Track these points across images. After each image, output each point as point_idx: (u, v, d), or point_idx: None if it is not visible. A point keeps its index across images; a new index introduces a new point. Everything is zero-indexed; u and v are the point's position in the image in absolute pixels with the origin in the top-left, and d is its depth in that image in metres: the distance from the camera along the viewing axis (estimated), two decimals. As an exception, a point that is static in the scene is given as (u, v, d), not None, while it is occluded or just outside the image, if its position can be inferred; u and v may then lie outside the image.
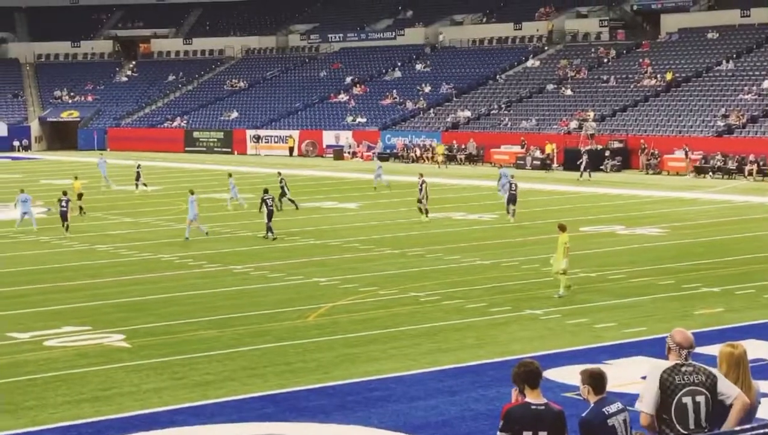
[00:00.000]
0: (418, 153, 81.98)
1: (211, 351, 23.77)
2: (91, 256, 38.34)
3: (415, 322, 26.30)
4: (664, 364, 9.80)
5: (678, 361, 9.75)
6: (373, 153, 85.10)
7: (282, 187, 50.81)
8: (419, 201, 46.08)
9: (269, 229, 41.26)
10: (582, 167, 65.18)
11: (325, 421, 18.68)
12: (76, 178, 55.04)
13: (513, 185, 46.45)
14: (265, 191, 42.40)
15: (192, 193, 42.92)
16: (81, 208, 48.83)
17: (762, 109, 72.16)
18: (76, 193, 49.58)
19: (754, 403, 9.94)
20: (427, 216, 45.70)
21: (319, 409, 19.25)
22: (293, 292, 30.91)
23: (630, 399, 17.19)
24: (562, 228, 29.35)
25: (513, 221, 45.20)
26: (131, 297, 30.46)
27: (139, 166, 62.10)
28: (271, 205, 41.93)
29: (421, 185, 46.04)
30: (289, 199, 51.05)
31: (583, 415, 10.09)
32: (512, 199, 45.89)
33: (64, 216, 43.64)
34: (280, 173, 53.73)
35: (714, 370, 9.74)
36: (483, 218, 46.93)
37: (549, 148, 74.05)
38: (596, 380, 10.24)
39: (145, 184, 61.08)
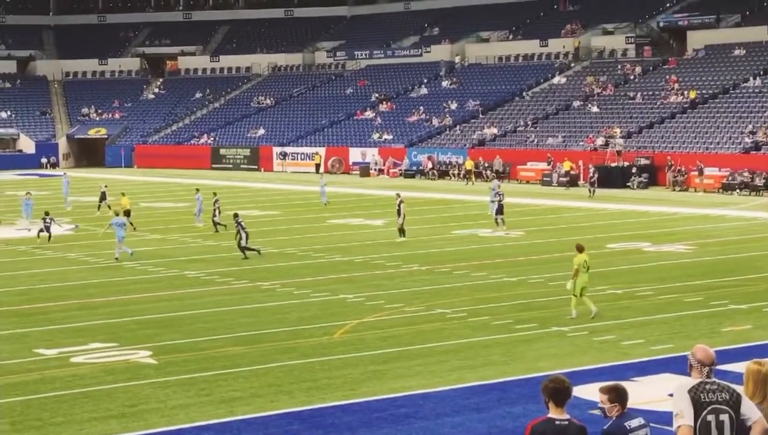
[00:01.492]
0: (436, 167, 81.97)
1: (238, 367, 23.79)
2: (117, 273, 38.44)
3: (442, 339, 26.26)
4: (689, 382, 9.75)
5: (702, 379, 9.69)
6: (399, 169, 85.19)
7: (214, 209, 49.43)
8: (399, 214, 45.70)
9: (244, 249, 40.97)
10: (591, 184, 65.11)
11: (351, 438, 18.65)
12: (123, 194, 55.11)
13: (500, 196, 48.45)
14: (236, 216, 42.33)
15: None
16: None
17: (790, 125, 71.92)
18: (123, 210, 49.07)
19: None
20: (403, 236, 45.37)
21: (345, 426, 19.24)
22: (319, 308, 30.91)
23: (657, 417, 17.15)
24: (580, 248, 29.04)
25: (505, 229, 47.09)
26: (158, 313, 30.52)
27: (105, 187, 60.85)
28: (245, 228, 41.74)
29: (399, 205, 45.69)
30: (216, 222, 49.38)
31: (605, 427, 10.10)
32: (500, 210, 47.77)
33: (47, 230, 46.08)
34: (215, 193, 51.76)
35: (739, 389, 9.68)
36: (510, 235, 46.86)
37: (567, 166, 74.05)
38: (617, 394, 10.26)
39: (108, 206, 56.91)
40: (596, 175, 65.64)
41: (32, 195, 55.68)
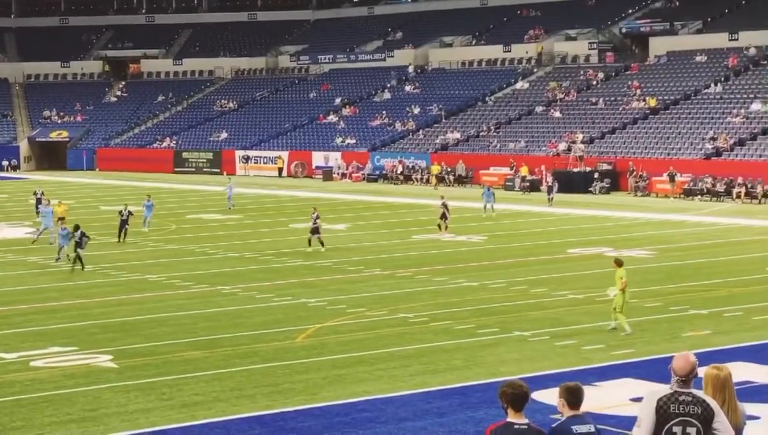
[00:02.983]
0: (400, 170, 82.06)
1: (199, 372, 23.71)
2: (77, 277, 38.23)
3: (404, 344, 26.27)
4: (662, 390, 9.69)
5: (678, 389, 9.62)
6: (362, 174, 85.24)
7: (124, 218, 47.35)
8: (315, 231, 44.02)
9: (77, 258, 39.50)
10: (549, 191, 64.97)
11: (313, 442, 18.63)
12: (59, 203, 54.08)
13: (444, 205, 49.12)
14: (77, 228, 40.49)
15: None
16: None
17: (750, 131, 72.40)
18: (57, 217, 47.61)
19: (739, 426, 9.92)
20: (312, 245, 43.77)
21: (307, 431, 19.22)
22: (281, 313, 30.86)
23: (617, 421, 17.22)
24: (619, 263, 27.50)
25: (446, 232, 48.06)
26: (118, 317, 30.38)
27: (41, 192, 58.11)
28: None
29: (315, 218, 44.16)
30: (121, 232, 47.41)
31: (552, 425, 10.16)
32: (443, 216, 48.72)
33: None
34: (126, 205, 48.77)
35: (714, 405, 9.59)
36: (471, 240, 46.94)
37: (525, 171, 74.36)
38: (571, 394, 10.29)
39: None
40: (556, 183, 65.63)
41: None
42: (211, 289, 35.08)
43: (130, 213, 47.14)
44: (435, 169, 79.51)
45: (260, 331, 28.20)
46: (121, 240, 46.59)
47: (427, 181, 79.84)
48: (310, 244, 43.77)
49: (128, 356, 25.31)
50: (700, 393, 9.68)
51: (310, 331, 28.06)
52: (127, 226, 46.90)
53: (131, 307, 31.93)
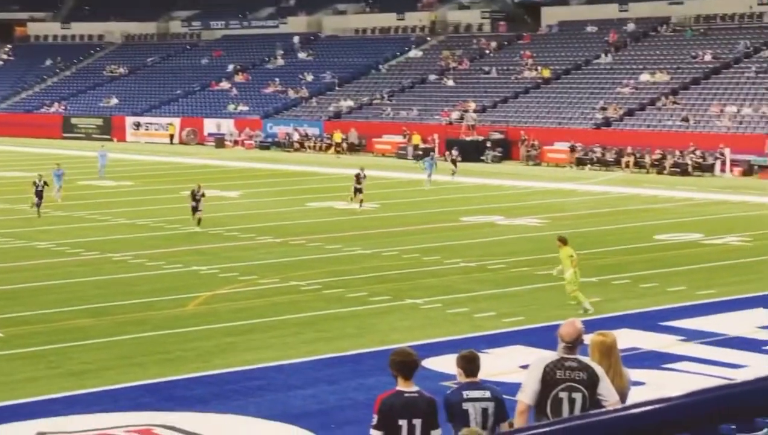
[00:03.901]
0: (298, 139, 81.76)
1: (88, 340, 23.45)
2: (-36, 243, 37.58)
3: (296, 311, 26.24)
4: (549, 356, 9.81)
5: (563, 355, 9.74)
6: (255, 141, 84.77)
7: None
8: (195, 209, 40.94)
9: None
10: (454, 163, 62.15)
11: (203, 410, 18.55)
12: None
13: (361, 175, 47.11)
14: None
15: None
16: None
17: (639, 102, 73.33)
18: None
19: (625, 391, 10.06)
20: (198, 224, 40.70)
21: (197, 398, 19.12)
22: (172, 280, 30.63)
23: (507, 388, 17.33)
24: (563, 241, 26.36)
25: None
26: (5, 285, 29.90)
27: None
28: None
29: (198, 195, 40.96)
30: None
31: (447, 392, 10.24)
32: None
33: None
34: (41, 176, 46.25)
35: (599, 371, 9.72)
36: (365, 208, 46.97)
37: (416, 139, 74.51)
38: (466, 362, 10.38)
39: None
40: (459, 155, 64.13)
41: None
42: (102, 256, 34.68)
43: (45, 183, 45.31)
44: (337, 136, 79.01)
45: (151, 298, 27.97)
46: (40, 214, 44.26)
47: (320, 148, 79.60)
48: (199, 224, 40.28)
49: (15, 324, 24.94)
50: (585, 359, 9.82)
51: (202, 298, 27.90)
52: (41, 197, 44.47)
53: (19, 275, 31.45)
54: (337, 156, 74.86)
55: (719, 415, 1.73)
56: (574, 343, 9.77)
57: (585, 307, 25.72)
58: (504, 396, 10.33)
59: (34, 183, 44.96)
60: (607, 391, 9.59)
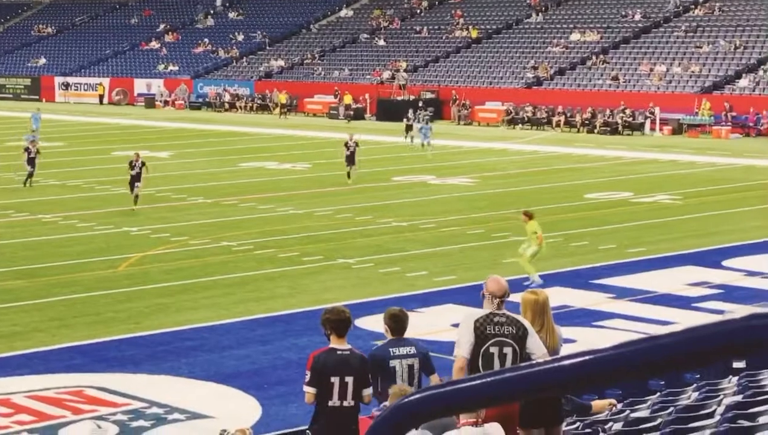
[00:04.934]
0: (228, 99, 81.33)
1: (19, 302, 23.26)
2: None
3: (228, 272, 26.19)
4: (478, 312, 9.88)
5: (491, 311, 9.82)
6: (185, 101, 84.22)
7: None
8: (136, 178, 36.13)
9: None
10: (408, 130, 57.95)
11: (135, 371, 18.49)
12: None
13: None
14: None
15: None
16: None
17: (569, 61, 73.63)
18: None
19: (556, 348, 10.15)
20: (135, 203, 36.13)
21: (129, 360, 19.05)
22: (103, 241, 30.43)
23: (439, 346, 17.44)
24: (529, 215, 25.33)
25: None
26: (-67, 247, 29.56)
27: None
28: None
29: (136, 164, 36.37)
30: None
31: (373, 349, 10.32)
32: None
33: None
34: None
35: (527, 325, 9.82)
36: (296, 168, 46.88)
37: (348, 99, 74.39)
38: (393, 320, 10.47)
39: None
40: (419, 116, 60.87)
41: None
42: (32, 217, 34.35)
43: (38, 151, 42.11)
44: (282, 97, 78.20)
45: (82, 260, 27.77)
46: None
47: (251, 108, 79.21)
48: (136, 202, 35.84)
49: (-57, 287, 24.67)
50: (513, 314, 9.92)
51: (133, 259, 27.74)
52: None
53: (-54, 237, 31.09)
54: (283, 117, 74.34)
55: (649, 366, 1.75)
56: (502, 299, 9.87)
57: (533, 279, 24.45)
58: (435, 354, 10.40)
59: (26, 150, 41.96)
60: (535, 346, 9.69)
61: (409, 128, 57.55)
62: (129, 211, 35.23)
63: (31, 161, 41.12)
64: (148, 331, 20.94)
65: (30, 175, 41.14)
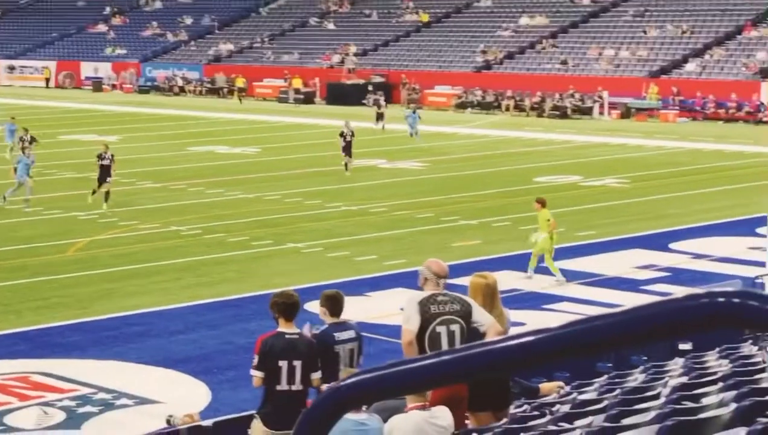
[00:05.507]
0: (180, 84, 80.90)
1: (-37, 288, 23.04)
2: None
3: (176, 257, 26.08)
4: (420, 294, 9.92)
5: (434, 291, 9.86)
6: (133, 85, 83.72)
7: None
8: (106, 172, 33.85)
9: None
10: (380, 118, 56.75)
11: (82, 356, 18.38)
12: None
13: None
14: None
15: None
16: None
17: (519, 45, 73.79)
18: None
19: (505, 331, 10.18)
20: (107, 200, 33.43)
21: (75, 345, 18.93)
22: (51, 226, 30.20)
23: (388, 330, 17.45)
24: (542, 202, 24.34)
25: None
26: None
27: None
28: None
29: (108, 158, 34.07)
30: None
31: (316, 331, 10.34)
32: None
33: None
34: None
35: (469, 299, 9.89)
36: (246, 152, 46.71)
37: (297, 83, 74.21)
38: (332, 303, 10.49)
39: None
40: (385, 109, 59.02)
41: None
42: (-24, 202, 33.99)
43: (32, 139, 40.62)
44: (239, 81, 77.55)
45: (29, 244, 27.54)
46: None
47: (200, 92, 78.86)
48: (107, 200, 33.11)
49: None
50: (454, 293, 9.97)
51: (81, 244, 27.56)
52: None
53: None
54: (240, 101, 73.92)
55: (596, 345, 1.74)
56: (446, 279, 9.94)
57: (557, 276, 23.73)
58: (384, 338, 10.41)
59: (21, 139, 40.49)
60: (481, 316, 9.76)
61: (380, 116, 56.02)
62: (77, 196, 34.89)
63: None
64: (95, 317, 20.80)
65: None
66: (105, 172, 33.41)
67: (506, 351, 2.12)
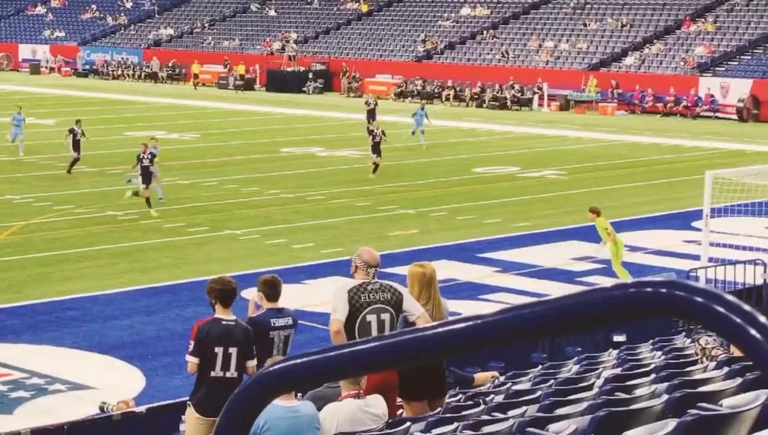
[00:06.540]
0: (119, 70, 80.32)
1: None
2: None
3: (112, 242, 25.90)
4: (351, 282, 9.94)
5: (365, 280, 9.88)
6: (71, 68, 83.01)
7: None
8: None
9: None
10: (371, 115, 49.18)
11: (16, 341, 18.23)
12: None
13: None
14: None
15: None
16: None
17: (460, 35, 73.94)
18: None
19: (444, 320, 10.20)
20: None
21: (9, 330, 18.76)
22: (-16, 209, 29.87)
23: (326, 318, 17.43)
24: (596, 212, 23.13)
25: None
26: None
27: None
28: None
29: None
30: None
31: (253, 315, 10.35)
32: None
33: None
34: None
35: (400, 288, 9.91)
36: (184, 138, 46.46)
37: (242, 69, 73.85)
38: (269, 287, 10.49)
39: None
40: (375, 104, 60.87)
41: None
42: None
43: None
44: (195, 68, 76.73)
45: (-39, 228, 27.25)
46: None
47: (139, 77, 78.34)
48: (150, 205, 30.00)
49: None
50: (385, 281, 9.98)
51: (15, 228, 27.30)
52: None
53: None
54: (195, 87, 73.22)
55: (524, 333, 1.74)
56: (377, 268, 9.96)
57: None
58: (321, 326, 10.42)
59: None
60: (411, 305, 9.78)
61: (371, 113, 49.08)
62: (11, 179, 34.57)
63: None
64: (29, 301, 20.64)
65: None
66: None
67: (435, 338, 2.12)
